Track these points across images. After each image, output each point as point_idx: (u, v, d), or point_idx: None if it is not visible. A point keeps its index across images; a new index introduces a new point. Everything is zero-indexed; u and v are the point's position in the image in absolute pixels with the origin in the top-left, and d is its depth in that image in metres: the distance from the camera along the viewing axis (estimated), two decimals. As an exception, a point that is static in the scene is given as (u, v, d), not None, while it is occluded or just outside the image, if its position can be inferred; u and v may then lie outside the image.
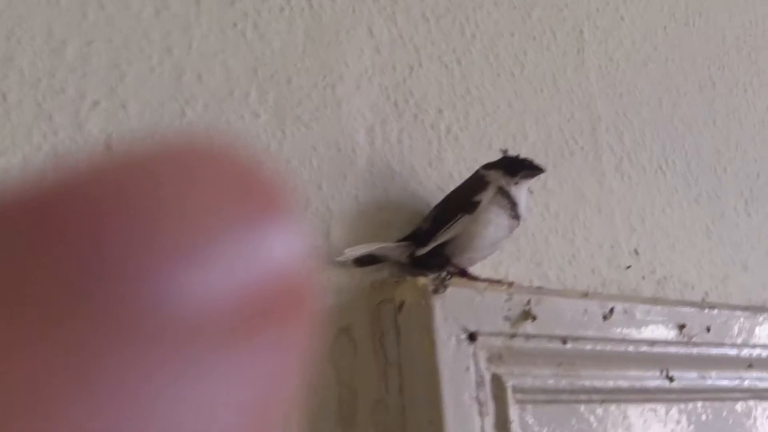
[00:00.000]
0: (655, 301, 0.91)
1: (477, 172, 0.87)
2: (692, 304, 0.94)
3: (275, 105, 0.82)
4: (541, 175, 0.98)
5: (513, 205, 0.81)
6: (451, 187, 0.89)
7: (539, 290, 0.83)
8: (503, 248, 0.92)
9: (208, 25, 0.81)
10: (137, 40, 0.77)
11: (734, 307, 0.99)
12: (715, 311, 0.95)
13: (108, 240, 0.07)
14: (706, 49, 1.27)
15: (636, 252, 1.04)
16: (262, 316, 0.08)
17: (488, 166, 0.86)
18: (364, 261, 0.80)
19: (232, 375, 0.08)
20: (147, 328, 0.07)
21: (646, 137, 1.13)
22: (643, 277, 1.03)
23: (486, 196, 0.82)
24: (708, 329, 0.94)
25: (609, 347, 0.86)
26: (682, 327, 0.92)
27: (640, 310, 0.89)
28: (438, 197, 0.88)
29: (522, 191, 0.83)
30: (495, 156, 0.92)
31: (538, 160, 0.99)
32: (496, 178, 0.84)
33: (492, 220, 0.80)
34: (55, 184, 0.08)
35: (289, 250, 0.08)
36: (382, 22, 0.93)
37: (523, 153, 0.98)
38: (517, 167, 0.84)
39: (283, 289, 0.08)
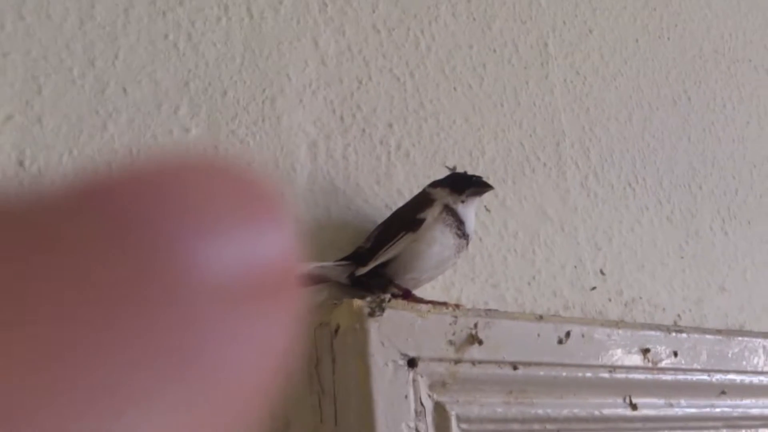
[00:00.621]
0: (616, 324, 0.86)
1: (424, 189, 0.82)
2: (658, 327, 0.89)
3: (208, 119, 0.78)
4: (500, 192, 0.94)
5: (460, 224, 0.77)
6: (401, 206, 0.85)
7: (488, 313, 0.78)
8: (456, 269, 0.88)
9: (136, 36, 0.77)
10: (57, 51, 0.73)
11: (705, 331, 0.94)
12: (684, 335, 0.90)
13: (155, 222, 0.10)
14: (682, 63, 1.23)
15: (602, 272, 0.99)
16: (260, 288, 0.10)
17: (435, 184, 0.81)
18: (303, 282, 0.75)
19: (240, 330, 0.10)
20: (181, 285, 0.09)
21: (614, 153, 1.08)
22: (610, 299, 0.98)
23: (431, 214, 0.77)
24: (675, 354, 0.88)
25: (564, 373, 0.81)
26: (646, 351, 0.86)
27: (599, 333, 0.84)
28: (385, 216, 0.84)
29: (470, 209, 0.79)
30: (448, 173, 0.88)
31: (497, 177, 0.95)
32: (443, 195, 0.79)
33: (437, 238, 0.76)
34: (118, 180, 0.10)
35: (281, 242, 0.11)
36: (329, 34, 0.90)
37: (481, 169, 0.94)
38: (464, 184, 0.79)
39: (275, 270, 0.10)
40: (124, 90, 0.75)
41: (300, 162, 0.82)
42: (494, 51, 1.03)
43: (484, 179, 0.81)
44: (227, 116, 0.79)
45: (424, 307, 0.74)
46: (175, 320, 0.09)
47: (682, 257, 1.08)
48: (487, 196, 0.93)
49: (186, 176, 0.10)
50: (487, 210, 0.93)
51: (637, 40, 1.18)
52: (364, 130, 0.88)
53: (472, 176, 0.81)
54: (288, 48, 0.86)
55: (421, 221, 0.77)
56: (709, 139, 1.20)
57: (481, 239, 0.91)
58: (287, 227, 0.11)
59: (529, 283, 0.93)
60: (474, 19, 1.02)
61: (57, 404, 0.08)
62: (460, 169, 0.91)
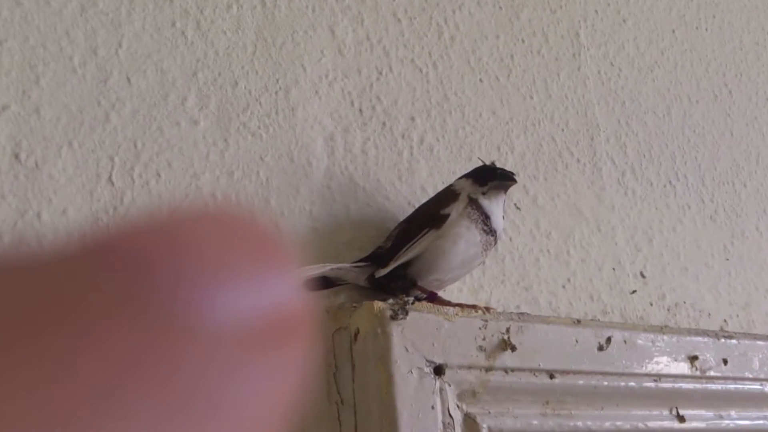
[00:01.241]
0: (661, 329, 0.79)
1: (451, 184, 0.76)
2: (706, 333, 0.82)
3: (218, 111, 0.73)
4: (531, 190, 0.88)
5: (486, 218, 0.71)
6: (424, 203, 0.79)
7: (522, 317, 0.72)
8: (485, 270, 0.81)
9: (141, 23, 0.72)
10: (57, 38, 0.68)
11: (756, 337, 0.87)
12: (734, 341, 0.83)
13: (171, 274, 0.10)
14: (722, 55, 1.16)
15: (642, 275, 0.93)
16: (271, 336, 0.11)
17: (461, 177, 0.75)
18: (318, 285, 0.69)
19: (251, 376, 0.10)
20: (191, 333, 0.10)
21: (652, 148, 1.02)
22: (651, 304, 0.91)
23: (456, 209, 0.71)
24: (725, 361, 0.81)
25: (606, 382, 0.74)
26: (694, 359, 0.79)
27: (643, 339, 0.77)
28: (408, 214, 0.78)
29: (495, 204, 0.72)
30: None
31: (527, 173, 0.89)
32: (465, 186, 0.73)
33: (462, 234, 0.70)
34: (135, 233, 0.10)
35: (290, 291, 0.11)
36: (346, 22, 0.84)
37: (510, 165, 0.88)
38: (487, 177, 0.73)
39: (286, 318, 0.11)
40: (128, 80, 0.70)
41: (316, 156, 0.77)
42: (522, 41, 0.97)
43: (511, 173, 0.74)
44: (238, 108, 0.74)
45: (451, 310, 0.68)
46: (190, 371, 0.10)
47: (727, 259, 1.01)
48: (516, 194, 0.87)
49: (196, 227, 0.10)
50: (518, 208, 0.87)
51: (673, 31, 1.12)
52: (384, 124, 0.83)
53: (498, 169, 0.75)
54: (303, 37, 0.81)
55: (445, 217, 0.71)
56: (752, 134, 1.13)
57: (511, 239, 0.85)
58: (293, 274, 0.11)
59: (563, 286, 0.86)
60: (500, 7, 0.97)
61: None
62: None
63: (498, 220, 0.72)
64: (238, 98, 0.75)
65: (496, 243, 0.73)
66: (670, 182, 1.01)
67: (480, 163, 0.78)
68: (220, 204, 0.11)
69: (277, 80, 0.78)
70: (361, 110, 0.82)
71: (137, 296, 0.09)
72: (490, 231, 0.71)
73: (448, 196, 0.73)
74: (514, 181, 0.75)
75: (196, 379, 0.10)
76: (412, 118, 0.85)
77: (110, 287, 0.09)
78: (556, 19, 1.01)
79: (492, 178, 0.74)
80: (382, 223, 0.78)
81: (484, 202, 0.72)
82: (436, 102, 0.87)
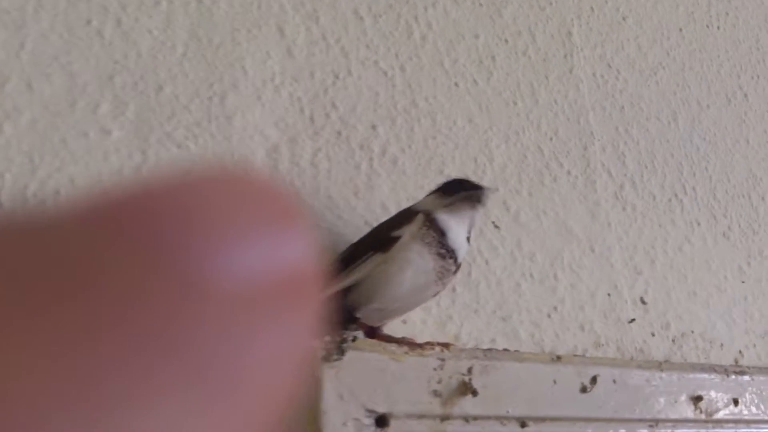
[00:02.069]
0: (659, 365, 0.68)
1: (415, 203, 0.66)
2: (713, 368, 0.70)
3: (136, 119, 0.64)
4: (512, 206, 0.78)
5: (441, 236, 0.60)
6: (384, 222, 0.69)
7: (488, 354, 0.61)
8: (455, 298, 0.71)
9: (50, 21, 0.64)
10: (-53, 39, 0.60)
11: (774, 372, 0.75)
12: (746, 377, 0.71)
13: (183, 236, 0.10)
14: (736, 55, 1.05)
15: (642, 301, 0.81)
16: (281, 293, 0.10)
17: (430, 193, 0.66)
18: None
19: (261, 335, 0.10)
20: (202, 293, 0.09)
21: (655, 158, 0.91)
22: (653, 334, 0.80)
23: (408, 231, 0.61)
24: (735, 402, 0.70)
25: (590, 430, 0.63)
26: (698, 400, 0.68)
27: (636, 377, 0.66)
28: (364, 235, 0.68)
29: (457, 220, 0.62)
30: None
31: (509, 187, 0.78)
32: (427, 203, 0.63)
33: (411, 260, 0.60)
34: (146, 196, 0.10)
35: (301, 249, 0.11)
36: (297, 20, 0.75)
37: (488, 179, 0.78)
38: (455, 188, 0.63)
39: (296, 276, 0.11)
40: (29, 86, 0.61)
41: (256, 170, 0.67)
42: (506, 41, 0.87)
43: (478, 183, 0.64)
44: (161, 116, 0.65)
45: (399, 348, 0.58)
46: (197, 325, 0.09)
47: (743, 281, 0.89)
48: (495, 210, 0.77)
49: (207, 189, 0.10)
50: (496, 227, 0.77)
51: (681, 30, 1.01)
52: (339, 133, 0.73)
53: (463, 180, 0.65)
54: (245, 36, 0.72)
55: (395, 239, 0.61)
56: (772, 141, 1.01)
57: (487, 262, 0.75)
58: (306, 234, 0.11)
59: (549, 315, 0.76)
60: (480, 4, 0.87)
61: (74, 407, 0.09)
62: (457, 176, 0.75)
63: (458, 238, 0.62)
64: (162, 105, 0.65)
65: (456, 269, 0.62)
66: (676, 196, 0.90)
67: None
68: (231, 167, 0.11)
69: (211, 84, 0.68)
70: (312, 118, 0.72)
71: (152, 259, 0.09)
72: (447, 253, 0.61)
73: (403, 216, 0.63)
74: (482, 187, 0.65)
75: (213, 341, 0.10)
76: (374, 127, 0.75)
77: (124, 251, 0.09)
78: (545, 17, 0.91)
79: (459, 189, 0.64)
80: (334, 246, 0.68)
81: (443, 216, 0.61)
82: (402, 108, 0.77)
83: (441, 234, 0.60)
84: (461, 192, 0.62)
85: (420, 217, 0.62)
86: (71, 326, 0.09)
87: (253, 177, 0.11)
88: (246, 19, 0.72)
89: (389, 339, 0.59)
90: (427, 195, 0.66)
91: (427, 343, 0.60)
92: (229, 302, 0.10)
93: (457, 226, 0.62)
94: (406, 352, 0.58)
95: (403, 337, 0.61)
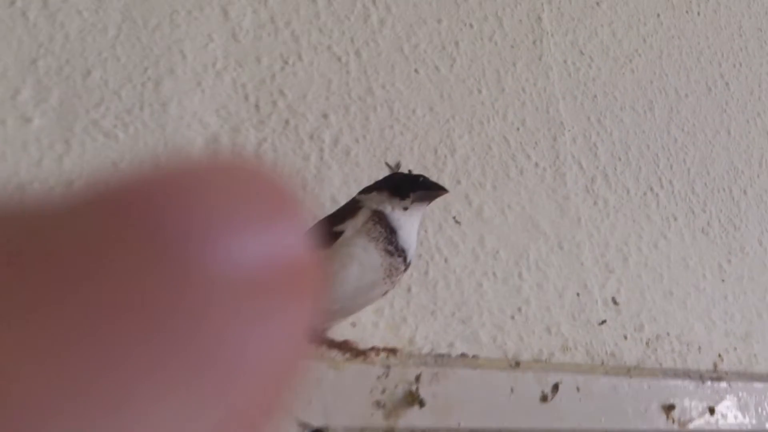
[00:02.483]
0: (627, 371, 0.63)
1: (354, 197, 0.61)
2: (686, 374, 0.66)
3: (60, 106, 0.59)
4: (474, 200, 0.73)
5: (390, 234, 0.55)
6: (333, 217, 0.64)
7: (439, 360, 0.56)
8: (410, 299, 0.66)
9: (-35, -1, 0.59)
10: None
11: (753, 377, 0.70)
12: (723, 383, 0.66)
13: (183, 223, 0.09)
14: (717, 42, 1.00)
15: (614, 301, 0.76)
16: (281, 282, 0.10)
17: (369, 188, 0.60)
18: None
19: (262, 324, 0.10)
20: (206, 283, 0.09)
21: (630, 150, 0.86)
22: (625, 337, 0.75)
23: (352, 225, 0.56)
24: (711, 410, 0.65)
25: (551, 442, 0.58)
26: (669, 408, 0.63)
27: (602, 384, 0.61)
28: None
29: (413, 219, 0.57)
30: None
31: (471, 180, 0.74)
32: (378, 201, 0.58)
33: (356, 256, 0.55)
34: (146, 183, 0.10)
35: (299, 238, 0.11)
36: (244, 2, 0.70)
37: (449, 171, 0.73)
38: (409, 186, 0.58)
39: (295, 265, 0.10)
40: (-62, 68, 0.56)
41: (193, 162, 0.62)
42: (470, 26, 0.82)
43: (433, 181, 0.59)
44: (89, 102, 0.60)
45: (338, 354, 0.53)
46: (198, 314, 0.09)
47: (723, 280, 0.84)
48: (456, 205, 0.72)
49: (207, 177, 0.10)
50: (457, 222, 0.72)
51: (658, 15, 0.96)
52: (287, 122, 0.68)
53: (419, 176, 0.60)
54: (185, 18, 0.67)
55: (338, 234, 0.56)
56: (753, 132, 0.96)
57: (446, 260, 0.70)
58: (304, 224, 0.11)
59: (513, 317, 0.71)
60: (444, -13, 0.82)
61: (75, 403, 0.08)
62: (413, 171, 0.70)
63: (410, 236, 0.57)
64: (89, 91, 0.60)
65: (406, 267, 0.57)
66: (651, 189, 0.85)
67: (388, 170, 0.63)
68: (231, 155, 0.11)
69: (146, 69, 0.63)
70: (257, 106, 0.67)
71: (152, 248, 0.09)
72: (397, 251, 0.56)
73: (346, 209, 0.58)
74: (444, 190, 0.60)
75: (215, 331, 0.09)
76: (325, 116, 0.70)
77: (124, 240, 0.09)
78: (513, 1, 0.86)
79: (414, 187, 0.59)
80: (277, 242, 0.63)
81: (395, 215, 0.56)
82: (357, 96, 0.72)
83: (391, 232, 0.55)
84: (418, 191, 0.57)
85: (365, 211, 0.57)
86: (71, 318, 0.09)
87: (253, 166, 0.11)
88: (186, 0, 0.67)
89: (330, 344, 0.54)
90: (369, 191, 0.60)
91: (372, 348, 0.56)
92: (230, 290, 0.10)
93: (409, 224, 0.57)
94: (347, 359, 0.53)
95: (345, 341, 0.56)
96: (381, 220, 0.56)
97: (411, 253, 0.57)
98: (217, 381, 0.09)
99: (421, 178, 0.60)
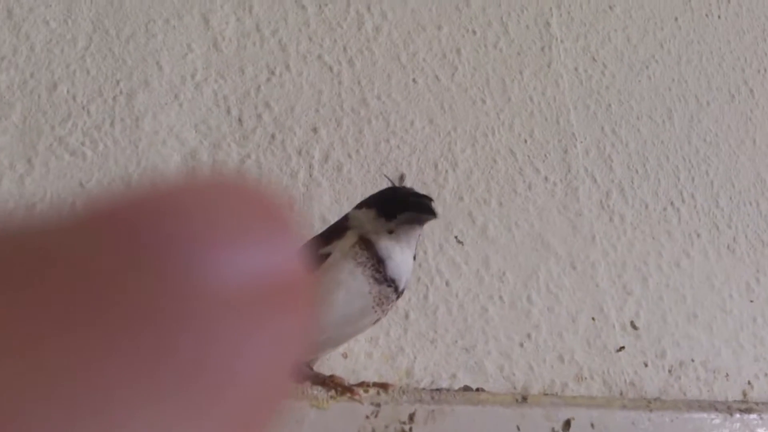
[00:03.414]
0: (647, 404, 0.57)
1: (347, 213, 0.56)
2: (713, 406, 0.60)
3: (23, 123, 0.55)
4: (478, 218, 0.67)
5: (378, 263, 0.50)
6: (323, 238, 0.59)
7: (436, 396, 0.51)
8: (407, 327, 0.61)
9: None
10: None
11: (788, 408, 0.64)
12: (753, 416, 0.60)
13: (177, 239, 0.09)
14: (739, 47, 0.94)
15: (633, 326, 0.70)
16: (273, 296, 0.10)
17: (361, 204, 0.55)
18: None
19: (253, 336, 0.10)
20: (194, 295, 0.09)
21: (648, 162, 0.80)
22: (646, 364, 0.69)
23: (340, 247, 0.51)
24: (742, 447, 0.59)
25: (563, 486, 0.52)
26: (696, 445, 0.57)
27: (620, 419, 0.55)
28: (297, 253, 0.58)
29: (400, 244, 0.52)
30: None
31: (475, 196, 0.68)
32: (366, 220, 0.53)
33: (342, 282, 0.49)
34: (145, 200, 0.10)
35: (291, 254, 0.10)
36: (227, 9, 0.66)
37: (451, 187, 0.68)
38: (396, 207, 0.52)
39: (286, 280, 0.10)
40: None
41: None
42: (473, 32, 0.77)
43: (425, 201, 0.53)
44: (54, 118, 0.56)
45: (322, 391, 0.48)
46: (188, 325, 0.09)
47: (751, 301, 0.78)
48: (458, 223, 0.67)
49: (201, 194, 0.10)
50: (459, 242, 0.66)
51: (676, 19, 0.91)
52: (273, 136, 0.63)
53: (409, 195, 0.54)
54: (162, 28, 0.62)
55: (324, 257, 0.50)
56: (782, 141, 0.90)
57: (448, 283, 0.64)
58: (294, 236, 0.11)
59: (522, 345, 0.65)
60: (445, -8, 0.77)
61: (61, 411, 0.08)
62: (414, 184, 0.65)
63: (400, 266, 0.51)
64: (55, 106, 0.56)
65: (399, 296, 0.52)
66: (672, 204, 0.79)
67: (387, 182, 0.58)
68: (225, 172, 0.11)
69: (118, 82, 0.59)
70: (240, 119, 0.62)
71: (146, 261, 0.09)
72: (385, 280, 0.50)
73: (333, 231, 0.53)
74: (434, 215, 0.54)
75: (205, 342, 0.09)
76: (315, 129, 0.65)
77: (120, 252, 0.09)
78: (519, 5, 0.81)
79: (402, 208, 0.53)
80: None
81: (382, 241, 0.51)
82: (350, 108, 0.68)
83: (379, 261, 0.50)
84: (407, 212, 0.52)
85: (352, 234, 0.52)
86: (60, 327, 0.09)
87: (248, 184, 0.11)
88: (164, 8, 0.63)
89: (314, 379, 0.49)
90: (360, 207, 0.55)
91: (361, 383, 0.50)
92: (222, 303, 0.10)
93: (398, 251, 0.51)
94: (333, 397, 0.48)
95: (332, 376, 0.50)
96: (368, 247, 0.51)
97: (404, 282, 0.52)
98: (206, 389, 0.09)
99: (412, 198, 0.54)
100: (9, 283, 0.09)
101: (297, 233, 0.11)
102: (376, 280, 0.50)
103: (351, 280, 0.50)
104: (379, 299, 0.51)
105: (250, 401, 0.10)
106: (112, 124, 0.57)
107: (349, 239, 0.52)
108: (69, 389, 0.09)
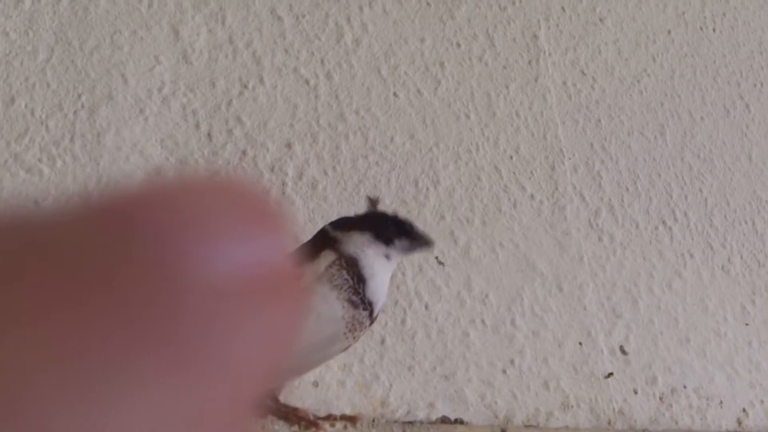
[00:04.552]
0: (635, 435, 0.54)
1: (323, 228, 0.53)
2: (705, 437, 0.56)
3: (-24, 138, 0.52)
4: (460, 237, 0.65)
5: (358, 284, 0.47)
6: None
7: (409, 429, 0.48)
8: (383, 353, 0.58)
9: None
10: None
11: (784, 439, 0.61)
12: (748, 448, 0.57)
13: (171, 233, 0.10)
14: (735, 61, 0.92)
15: (623, 351, 0.67)
16: (262, 287, 0.10)
17: (342, 224, 0.52)
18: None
19: (244, 324, 0.10)
20: (186, 286, 0.10)
21: (639, 180, 0.77)
22: (635, 391, 0.66)
23: (312, 270, 0.48)
24: (735, 481, 0.56)
25: None
26: (686, 479, 0.54)
27: (605, 453, 0.52)
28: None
29: (386, 269, 0.49)
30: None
31: (457, 215, 0.65)
32: (359, 243, 0.50)
33: (314, 306, 0.47)
34: (140, 196, 0.10)
35: (280, 248, 0.11)
36: (198, 20, 0.63)
37: (432, 205, 0.65)
38: (398, 233, 0.50)
39: (275, 272, 0.11)
40: None
41: (131, 199, 0.55)
42: (457, 45, 0.74)
43: (421, 232, 0.51)
44: (10, 134, 0.53)
45: (283, 427, 0.45)
46: (183, 312, 0.10)
47: (746, 324, 0.75)
48: (440, 244, 0.64)
49: (195, 191, 0.10)
50: (440, 263, 0.63)
51: (669, 32, 0.88)
52: (244, 152, 0.60)
53: (406, 223, 0.51)
54: (129, 39, 0.60)
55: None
56: (778, 158, 0.87)
57: (427, 306, 0.61)
58: (284, 234, 0.11)
59: (504, 371, 0.62)
60: (428, 3, 0.74)
61: (63, 389, 0.09)
62: (394, 202, 0.62)
63: (380, 288, 0.49)
64: (11, 121, 0.53)
65: (372, 321, 0.49)
66: (664, 223, 0.76)
67: (368, 205, 0.55)
68: (218, 172, 0.11)
69: (80, 95, 0.56)
70: (209, 135, 0.60)
71: (140, 253, 0.10)
72: (362, 303, 0.47)
73: (308, 248, 0.50)
74: (432, 243, 0.52)
75: (199, 328, 0.10)
76: (289, 145, 0.62)
77: (117, 244, 0.10)
78: (506, 18, 0.78)
79: (405, 234, 0.51)
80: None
81: (373, 262, 0.48)
82: (326, 123, 0.65)
83: (359, 280, 0.47)
84: (404, 241, 0.49)
85: (328, 254, 0.49)
86: (63, 313, 0.09)
87: (239, 182, 0.11)
88: (131, 19, 0.61)
89: (276, 412, 0.46)
90: (350, 228, 0.52)
91: (328, 416, 0.47)
92: (214, 293, 0.10)
93: (382, 273, 0.48)
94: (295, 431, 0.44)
95: (296, 410, 0.47)
96: (350, 266, 0.48)
97: (379, 307, 0.49)
98: (200, 372, 0.10)
99: (408, 226, 0.52)
100: (7, 275, 0.09)
101: (286, 230, 0.11)
102: (351, 303, 0.47)
103: (323, 305, 0.47)
104: (352, 325, 0.48)
105: (241, 384, 0.10)
106: (72, 139, 0.55)
107: (324, 260, 0.49)
108: (75, 372, 0.09)
